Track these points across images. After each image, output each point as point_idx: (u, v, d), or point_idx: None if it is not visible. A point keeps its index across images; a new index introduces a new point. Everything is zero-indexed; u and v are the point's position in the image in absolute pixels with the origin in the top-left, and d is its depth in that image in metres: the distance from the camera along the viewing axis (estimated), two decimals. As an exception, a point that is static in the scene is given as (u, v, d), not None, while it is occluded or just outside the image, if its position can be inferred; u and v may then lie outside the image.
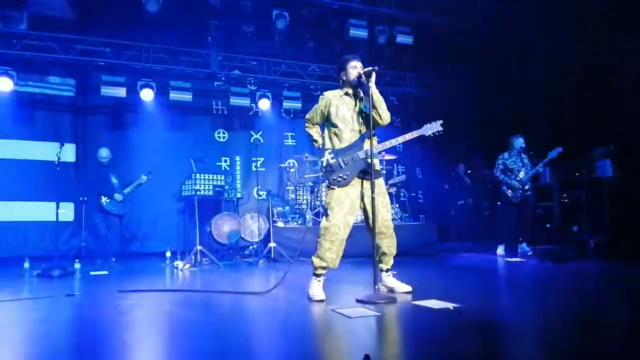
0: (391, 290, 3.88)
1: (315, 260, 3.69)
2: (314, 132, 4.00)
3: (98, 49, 8.06)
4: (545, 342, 2.44)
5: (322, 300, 3.56)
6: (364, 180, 3.74)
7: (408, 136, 3.86)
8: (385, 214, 3.77)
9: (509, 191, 6.85)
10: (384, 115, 3.75)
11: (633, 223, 6.69)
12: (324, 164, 3.75)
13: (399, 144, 3.93)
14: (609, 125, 6.99)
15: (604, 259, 6.23)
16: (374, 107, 3.65)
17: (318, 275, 3.69)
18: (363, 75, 3.66)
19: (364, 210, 3.80)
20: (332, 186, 3.69)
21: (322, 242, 3.65)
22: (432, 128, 3.85)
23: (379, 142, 3.82)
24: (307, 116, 4.03)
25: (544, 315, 3.09)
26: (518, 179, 6.81)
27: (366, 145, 3.73)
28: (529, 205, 7.03)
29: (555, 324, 2.82)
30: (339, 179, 3.67)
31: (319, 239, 3.69)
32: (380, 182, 3.79)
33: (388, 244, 3.83)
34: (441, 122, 3.85)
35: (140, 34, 8.24)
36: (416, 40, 9.25)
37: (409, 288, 3.83)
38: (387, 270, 3.94)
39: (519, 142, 6.95)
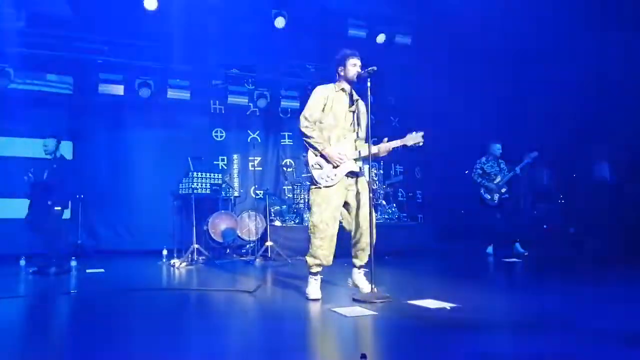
0: (356, 287, 3.82)
1: (308, 259, 3.69)
2: (317, 134, 3.68)
3: (96, 46, 8.03)
4: (540, 342, 2.44)
5: (317, 299, 3.56)
6: (348, 177, 3.72)
7: (392, 144, 3.74)
8: (366, 210, 3.74)
9: (487, 194, 7.04)
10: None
11: (630, 225, 6.72)
12: (312, 162, 3.70)
13: (390, 148, 3.84)
14: (607, 129, 7.01)
15: (601, 260, 6.25)
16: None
17: (314, 274, 3.69)
18: (361, 78, 3.66)
19: (345, 205, 3.76)
20: (319, 185, 3.64)
21: (312, 240, 3.64)
22: (414, 139, 3.68)
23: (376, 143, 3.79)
24: (306, 113, 3.70)
25: (539, 316, 3.09)
26: (495, 182, 6.95)
27: (351, 147, 3.72)
28: (510, 207, 7.15)
29: (552, 325, 2.82)
30: (327, 179, 3.63)
31: (310, 238, 3.68)
32: (362, 179, 3.78)
33: (365, 239, 3.76)
34: (422, 133, 3.69)
35: (138, 32, 8.21)
36: (414, 40, 9.25)
37: (369, 289, 3.69)
38: (359, 267, 3.88)
39: (496, 148, 7.17)
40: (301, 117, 3.73)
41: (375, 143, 3.75)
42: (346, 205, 3.75)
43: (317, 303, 3.48)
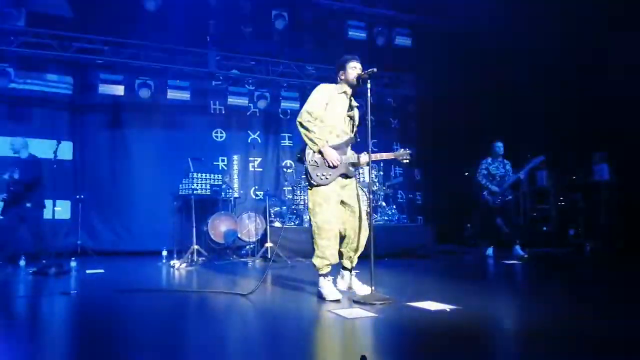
0: (349, 288, 3.82)
1: (317, 261, 3.67)
2: (318, 130, 3.65)
3: (96, 46, 8.04)
4: (540, 345, 2.44)
5: (338, 300, 3.53)
6: (342, 177, 3.75)
7: (385, 156, 3.88)
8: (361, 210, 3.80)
9: (490, 196, 6.99)
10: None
11: (629, 227, 6.72)
12: (309, 158, 3.69)
13: (382, 158, 3.91)
14: (607, 130, 7.00)
15: (600, 262, 6.25)
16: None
17: (325, 275, 3.68)
18: (361, 79, 3.67)
19: (343, 204, 3.79)
20: (313, 182, 3.65)
21: (318, 241, 3.64)
22: (402, 155, 3.80)
23: (360, 151, 3.80)
24: (309, 108, 3.65)
25: (539, 318, 3.09)
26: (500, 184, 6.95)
27: (349, 151, 3.76)
28: (511, 210, 7.16)
29: (552, 328, 2.82)
30: (322, 177, 3.65)
31: (313, 239, 3.68)
32: (355, 180, 3.85)
33: (362, 239, 3.77)
34: (409, 152, 3.80)
35: (138, 33, 8.22)
36: (415, 42, 9.26)
37: (368, 290, 3.64)
38: (351, 270, 3.88)
39: (498, 146, 7.10)
40: (303, 111, 3.68)
41: (359, 152, 3.82)
42: (344, 204, 3.76)
43: (316, 305, 3.48)
